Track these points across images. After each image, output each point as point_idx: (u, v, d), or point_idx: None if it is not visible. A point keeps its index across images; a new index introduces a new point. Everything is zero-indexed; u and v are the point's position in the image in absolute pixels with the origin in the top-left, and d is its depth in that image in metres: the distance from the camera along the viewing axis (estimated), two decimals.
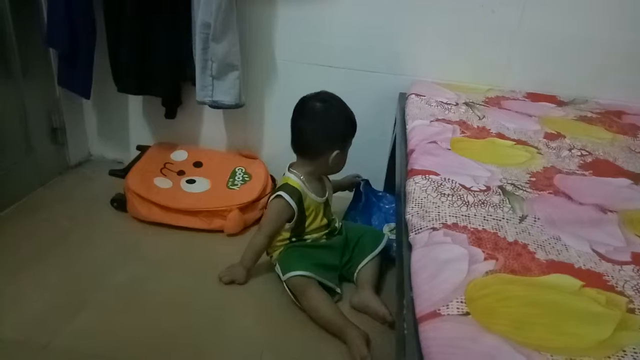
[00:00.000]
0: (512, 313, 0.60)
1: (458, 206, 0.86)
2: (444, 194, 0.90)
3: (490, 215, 0.83)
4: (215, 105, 1.62)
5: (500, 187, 0.95)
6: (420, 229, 0.80)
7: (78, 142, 1.92)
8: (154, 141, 1.89)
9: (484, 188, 0.94)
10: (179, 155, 1.80)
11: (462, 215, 0.83)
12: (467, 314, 0.59)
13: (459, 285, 0.64)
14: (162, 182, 1.64)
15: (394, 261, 1.48)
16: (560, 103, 1.59)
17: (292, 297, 1.27)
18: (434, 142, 1.14)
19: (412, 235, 0.81)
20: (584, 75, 1.66)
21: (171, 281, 1.35)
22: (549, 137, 1.26)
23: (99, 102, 1.89)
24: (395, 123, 1.70)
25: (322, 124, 1.31)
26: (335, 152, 1.31)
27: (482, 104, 1.49)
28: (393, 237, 1.48)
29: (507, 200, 0.89)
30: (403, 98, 1.59)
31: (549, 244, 0.77)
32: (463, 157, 1.09)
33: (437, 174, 0.98)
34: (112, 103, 1.87)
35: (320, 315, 1.21)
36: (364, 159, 1.68)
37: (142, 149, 1.81)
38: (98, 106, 1.91)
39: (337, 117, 1.33)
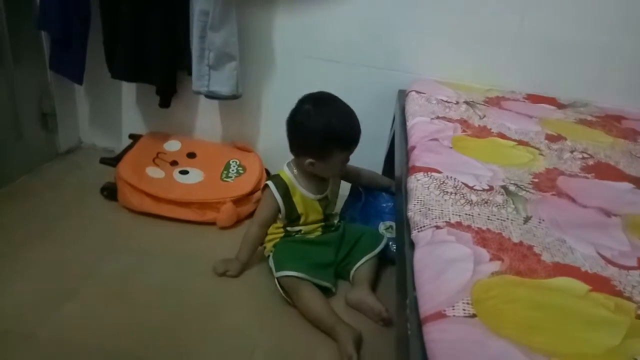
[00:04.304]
0: (519, 316, 0.58)
1: (461, 205, 0.84)
2: (447, 192, 0.88)
3: (495, 215, 0.81)
4: (211, 96, 1.59)
5: (503, 187, 0.93)
6: (423, 226, 0.78)
7: (69, 128, 1.87)
8: (147, 130, 1.86)
9: (487, 187, 0.92)
10: (173, 146, 1.76)
11: (466, 214, 0.81)
12: (474, 315, 0.57)
13: (464, 285, 0.62)
14: (154, 172, 1.61)
15: (392, 262, 1.48)
16: (560, 105, 1.58)
17: (283, 294, 1.25)
18: (436, 139, 1.12)
19: (414, 232, 0.79)
20: (583, 79, 1.64)
21: (161, 273, 1.32)
22: (550, 138, 1.24)
23: (91, 89, 1.85)
24: (393, 120, 1.68)
25: (299, 129, 1.28)
26: (308, 160, 1.28)
27: (483, 103, 1.47)
28: (389, 235, 1.46)
29: (511, 201, 0.88)
30: (403, 95, 1.57)
31: (555, 246, 0.75)
32: (465, 155, 1.07)
33: (439, 172, 0.96)
34: (105, 90, 1.83)
35: (312, 314, 1.19)
36: (360, 155, 1.65)
37: (135, 137, 1.77)
38: (90, 93, 1.86)
39: (316, 128, 1.24)
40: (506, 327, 0.56)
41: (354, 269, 1.33)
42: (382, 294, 1.32)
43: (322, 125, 1.24)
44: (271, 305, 1.26)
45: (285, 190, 1.32)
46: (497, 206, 0.85)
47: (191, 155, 1.74)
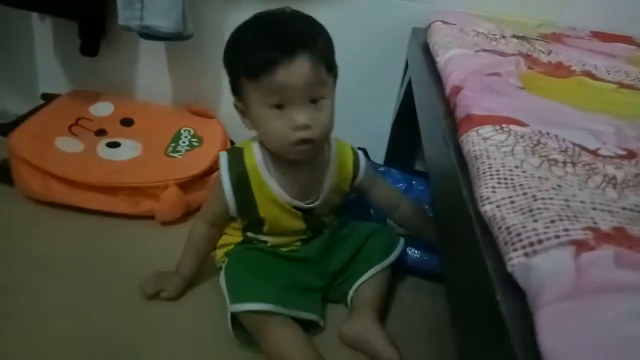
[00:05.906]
0: None
1: (598, 188, 0.38)
2: (555, 160, 0.42)
3: None
4: (146, 34, 1.11)
5: None
6: (539, 241, 0.32)
7: None
8: (71, 89, 1.38)
9: (623, 153, 0.47)
10: (102, 109, 1.28)
11: (621, 207, 0.35)
12: None
13: None
14: (68, 144, 1.13)
15: (410, 271, 0.99)
16: None
17: (236, 339, 0.79)
18: (497, 74, 0.66)
19: (515, 258, 0.32)
20: None
21: (66, 295, 0.87)
22: None
23: None
24: (405, 69, 1.23)
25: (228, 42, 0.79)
26: (234, 98, 0.80)
27: (539, 38, 1.01)
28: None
29: None
30: (420, 33, 1.11)
31: None
32: (550, 100, 0.61)
33: (523, 124, 0.50)
34: (10, 33, 1.35)
35: None
36: (359, 119, 1.22)
37: (49, 98, 1.30)
38: None
39: (227, 43, 0.78)
40: None
41: (354, 287, 0.87)
42: (394, 324, 0.87)
43: (230, 37, 0.78)
44: (226, 346, 0.81)
45: (241, 176, 0.82)
46: None
47: (127, 122, 1.26)
